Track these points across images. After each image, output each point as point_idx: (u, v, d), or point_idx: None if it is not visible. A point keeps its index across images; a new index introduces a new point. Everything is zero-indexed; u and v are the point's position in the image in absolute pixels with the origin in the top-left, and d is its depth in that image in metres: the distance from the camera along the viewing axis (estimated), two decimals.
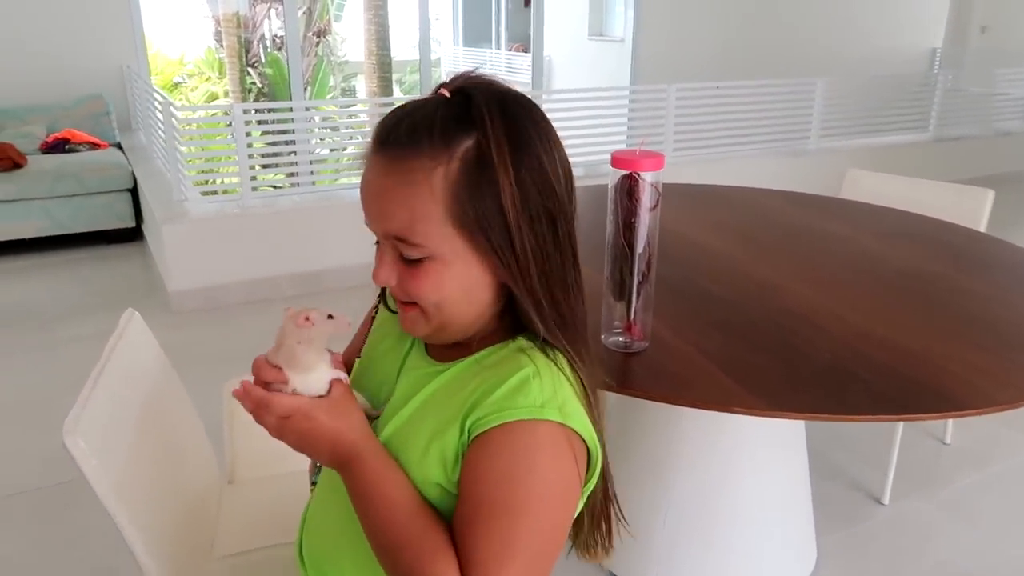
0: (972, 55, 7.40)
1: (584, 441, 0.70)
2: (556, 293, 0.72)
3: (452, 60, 10.45)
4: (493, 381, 0.70)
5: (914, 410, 1.21)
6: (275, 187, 4.61)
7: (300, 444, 0.71)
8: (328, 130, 4.79)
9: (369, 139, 0.72)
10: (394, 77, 9.79)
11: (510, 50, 10.81)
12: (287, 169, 4.17)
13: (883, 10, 7.50)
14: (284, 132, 3.90)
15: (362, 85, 10.83)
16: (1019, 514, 2.21)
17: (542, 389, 0.69)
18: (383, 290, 0.87)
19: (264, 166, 4.59)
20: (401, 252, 0.71)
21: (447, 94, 0.70)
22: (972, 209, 2.35)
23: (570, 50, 8.54)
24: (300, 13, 7.76)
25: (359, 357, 0.88)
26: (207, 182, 4.21)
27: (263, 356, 0.73)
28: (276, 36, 9.62)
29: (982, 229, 2.30)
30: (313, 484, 0.84)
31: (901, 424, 2.24)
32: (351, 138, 4.51)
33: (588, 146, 4.38)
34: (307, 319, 0.70)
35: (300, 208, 3.82)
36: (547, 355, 0.73)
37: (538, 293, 0.71)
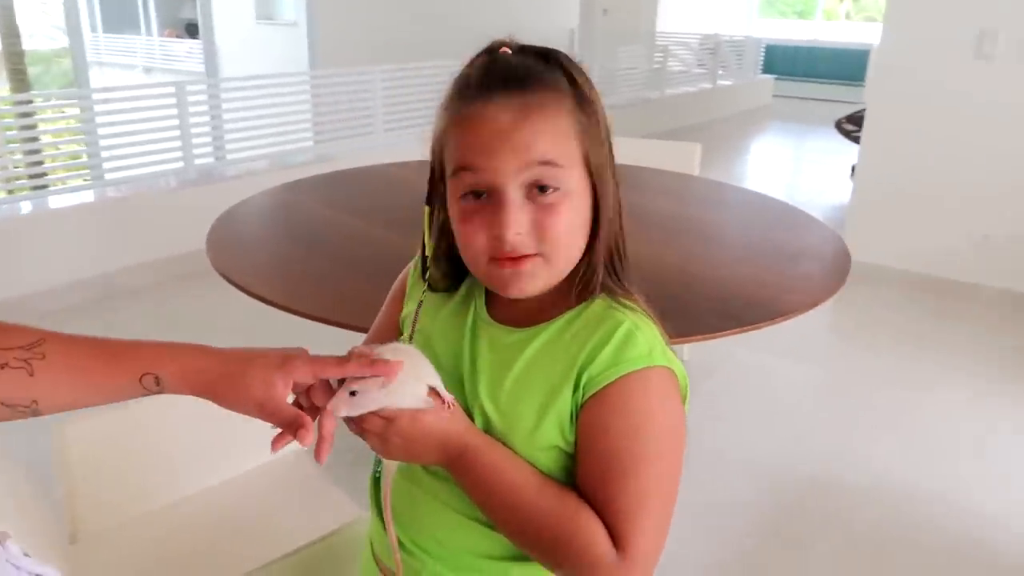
0: (599, 35, 8.47)
1: (677, 377, 0.74)
2: (619, 236, 0.76)
3: (93, 48, 9.18)
4: (598, 338, 0.72)
5: (751, 321, 1.45)
6: None
7: (406, 446, 0.69)
8: None
9: (451, 96, 0.72)
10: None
11: (163, 35, 9.84)
12: None
13: None
14: None
15: None
16: (744, 405, 2.72)
17: (646, 338, 0.72)
18: (424, 269, 0.82)
19: None
20: (539, 183, 0.69)
21: (510, 51, 0.72)
22: (685, 159, 2.78)
23: (236, 35, 8.04)
24: None
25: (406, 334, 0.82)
26: None
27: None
28: None
29: (695, 173, 2.75)
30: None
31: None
32: None
33: (276, 136, 4.18)
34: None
35: None
36: (627, 306, 0.75)
37: (617, 234, 0.75)
